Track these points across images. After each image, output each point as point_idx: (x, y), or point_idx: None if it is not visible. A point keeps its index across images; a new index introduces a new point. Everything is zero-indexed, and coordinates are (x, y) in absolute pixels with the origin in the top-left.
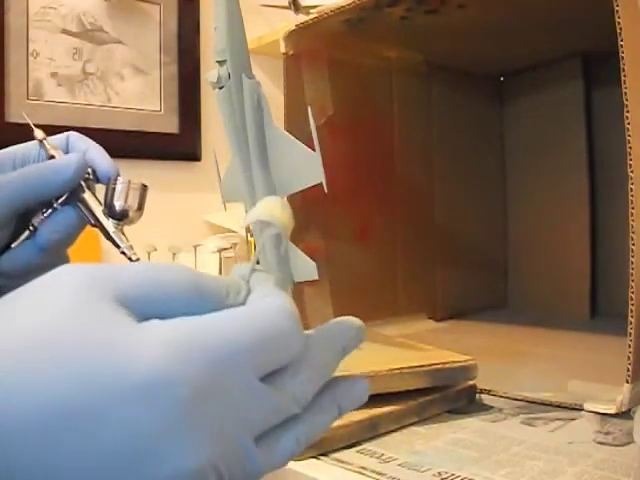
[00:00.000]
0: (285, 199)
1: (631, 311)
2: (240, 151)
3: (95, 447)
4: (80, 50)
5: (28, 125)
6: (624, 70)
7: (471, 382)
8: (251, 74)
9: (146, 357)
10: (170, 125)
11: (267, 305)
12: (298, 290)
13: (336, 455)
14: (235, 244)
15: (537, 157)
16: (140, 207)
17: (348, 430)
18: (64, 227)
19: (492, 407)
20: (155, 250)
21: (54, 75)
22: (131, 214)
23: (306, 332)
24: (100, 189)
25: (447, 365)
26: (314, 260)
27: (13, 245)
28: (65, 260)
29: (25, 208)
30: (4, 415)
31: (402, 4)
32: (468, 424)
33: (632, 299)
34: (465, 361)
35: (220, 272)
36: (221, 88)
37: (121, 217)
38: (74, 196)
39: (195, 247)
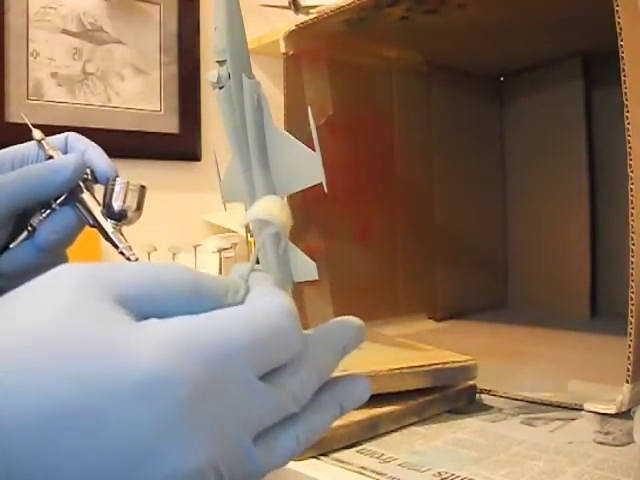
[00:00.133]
0: (284, 198)
1: (631, 311)
2: (240, 151)
3: (95, 447)
4: (80, 50)
5: (28, 125)
6: (624, 70)
7: (471, 382)
8: (251, 74)
9: (145, 356)
10: (170, 125)
11: (266, 304)
12: (298, 290)
13: (336, 455)
14: (235, 244)
15: (537, 157)
16: (139, 208)
17: (348, 430)
18: (63, 227)
19: (492, 407)
20: (155, 250)
21: (54, 75)
22: (130, 215)
23: (306, 331)
24: (99, 190)
25: (447, 365)
26: (314, 260)
27: (12, 245)
28: (64, 260)
29: (24, 208)
30: (4, 415)
31: (402, 4)
32: (468, 424)
33: (632, 299)
34: (465, 361)
35: (220, 272)
36: (221, 88)
37: (119, 217)
38: (73, 196)
39: (195, 247)
